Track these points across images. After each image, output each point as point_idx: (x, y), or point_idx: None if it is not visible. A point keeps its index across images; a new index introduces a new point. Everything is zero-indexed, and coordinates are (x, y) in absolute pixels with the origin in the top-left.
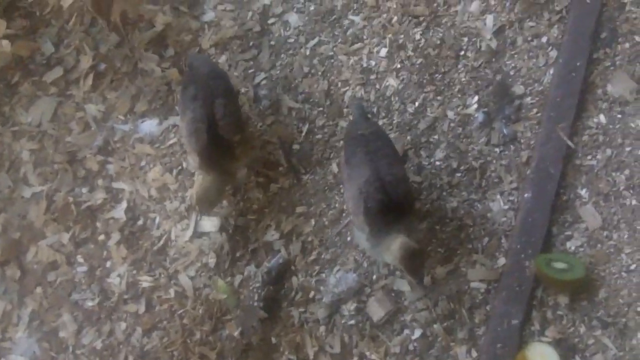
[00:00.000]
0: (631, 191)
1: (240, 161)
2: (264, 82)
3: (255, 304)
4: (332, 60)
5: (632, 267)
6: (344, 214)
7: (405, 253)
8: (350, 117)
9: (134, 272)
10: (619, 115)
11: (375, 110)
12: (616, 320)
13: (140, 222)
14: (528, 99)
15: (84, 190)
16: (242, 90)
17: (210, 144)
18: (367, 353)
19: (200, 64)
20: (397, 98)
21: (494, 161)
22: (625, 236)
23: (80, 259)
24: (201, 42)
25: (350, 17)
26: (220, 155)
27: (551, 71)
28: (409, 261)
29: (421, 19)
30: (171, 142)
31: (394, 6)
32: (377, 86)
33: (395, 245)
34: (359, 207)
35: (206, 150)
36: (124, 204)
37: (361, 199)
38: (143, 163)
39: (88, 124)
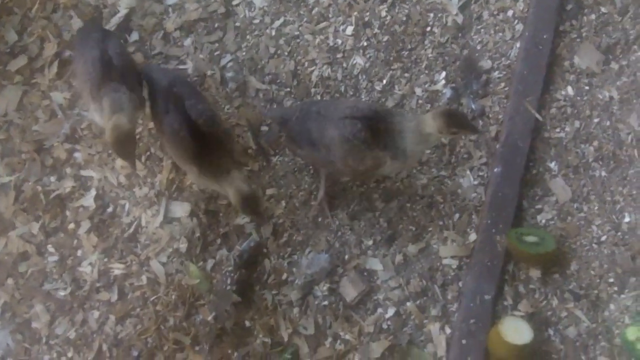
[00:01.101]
0: (600, 162)
1: (233, 153)
2: (230, 64)
3: (228, 288)
4: (298, 40)
5: (603, 238)
6: (313, 195)
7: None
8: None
9: (105, 260)
10: (587, 87)
11: (342, 89)
12: (588, 292)
13: (109, 210)
14: (495, 74)
15: (52, 179)
16: (209, 72)
17: (200, 149)
18: (341, 333)
19: (157, 76)
20: (364, 76)
21: (463, 137)
22: (596, 208)
23: (50, 248)
24: (165, 26)
25: None
26: (214, 156)
27: (518, 45)
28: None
29: None
30: (139, 128)
31: None
32: (344, 65)
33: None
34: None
35: (199, 157)
36: (93, 192)
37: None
38: (111, 150)
39: (54, 112)
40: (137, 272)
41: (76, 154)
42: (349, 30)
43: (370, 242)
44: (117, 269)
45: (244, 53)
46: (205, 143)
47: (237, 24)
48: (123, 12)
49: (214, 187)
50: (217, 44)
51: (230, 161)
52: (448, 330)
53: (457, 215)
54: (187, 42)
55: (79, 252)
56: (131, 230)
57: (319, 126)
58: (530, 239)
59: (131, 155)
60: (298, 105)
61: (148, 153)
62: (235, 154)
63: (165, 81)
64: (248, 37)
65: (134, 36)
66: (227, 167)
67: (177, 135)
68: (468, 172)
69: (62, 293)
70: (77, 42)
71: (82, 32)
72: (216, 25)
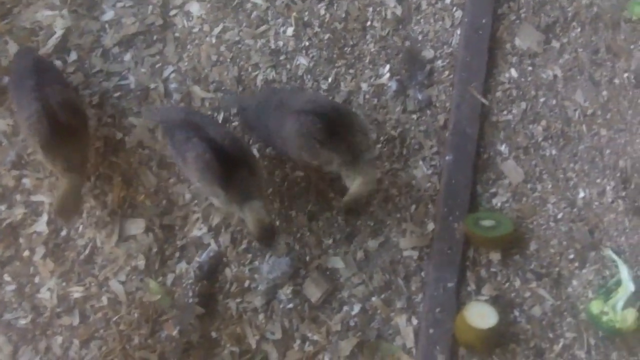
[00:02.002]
0: (549, 141)
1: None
2: (172, 75)
3: (191, 300)
4: (240, 46)
5: (559, 216)
6: (269, 199)
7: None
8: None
9: (64, 284)
10: (530, 68)
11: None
12: (550, 271)
13: (63, 233)
14: (439, 62)
15: (3, 207)
16: (152, 86)
17: (226, 173)
18: (309, 334)
19: (171, 115)
20: (309, 76)
21: (412, 128)
22: (549, 186)
23: (7, 277)
24: (104, 43)
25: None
26: (240, 180)
27: (458, 32)
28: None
29: None
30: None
31: None
32: (288, 66)
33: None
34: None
35: (225, 180)
36: (45, 217)
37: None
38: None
39: None
40: (97, 294)
41: (24, 180)
42: (290, 31)
43: (330, 241)
44: (77, 292)
45: (185, 63)
46: (231, 167)
47: (176, 34)
48: (59, 32)
49: (238, 212)
50: (157, 57)
51: (255, 187)
52: (415, 321)
53: (413, 207)
54: (127, 57)
55: (37, 279)
56: (87, 252)
57: (277, 117)
58: (487, 223)
59: (71, 213)
60: (257, 94)
61: (97, 173)
62: (261, 180)
63: (182, 114)
64: (188, 46)
65: (73, 56)
66: (251, 193)
67: (202, 159)
68: (420, 162)
69: (22, 322)
70: (13, 87)
71: (15, 74)
72: (155, 37)
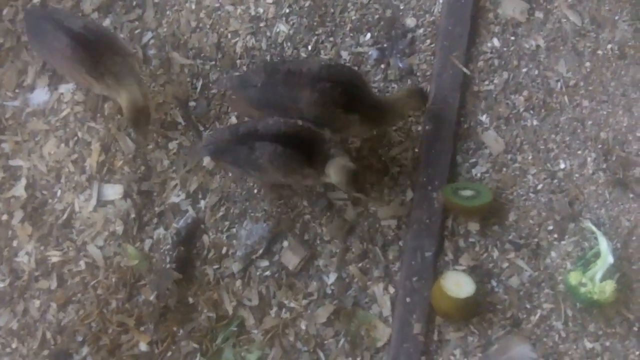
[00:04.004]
0: (531, 112)
1: (127, 59)
2: (152, 41)
3: (168, 266)
4: (219, 12)
5: (539, 187)
6: None
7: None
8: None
9: (42, 248)
10: (512, 37)
11: (268, 58)
12: (528, 242)
13: (41, 198)
14: (420, 31)
15: None
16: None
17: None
18: (286, 302)
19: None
20: (289, 44)
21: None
22: (530, 157)
23: None
24: (83, 7)
25: None
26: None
27: (440, 0)
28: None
29: None
30: (64, 113)
31: None
32: (268, 33)
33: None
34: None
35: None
36: (23, 181)
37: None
38: (38, 137)
39: None
40: (75, 258)
41: (3, 145)
42: None
43: (309, 209)
44: (55, 257)
45: (165, 29)
46: (95, 52)
47: (156, 0)
48: None
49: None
50: (136, 22)
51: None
52: (392, 290)
53: (392, 175)
54: (107, 22)
55: (15, 243)
56: (65, 216)
57: (290, 89)
58: (467, 192)
59: (146, 127)
60: (258, 68)
61: (76, 138)
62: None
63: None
64: (168, 12)
65: None
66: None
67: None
68: (400, 132)
69: (0, 285)
70: (34, 36)
71: (30, 23)
72: (134, 3)
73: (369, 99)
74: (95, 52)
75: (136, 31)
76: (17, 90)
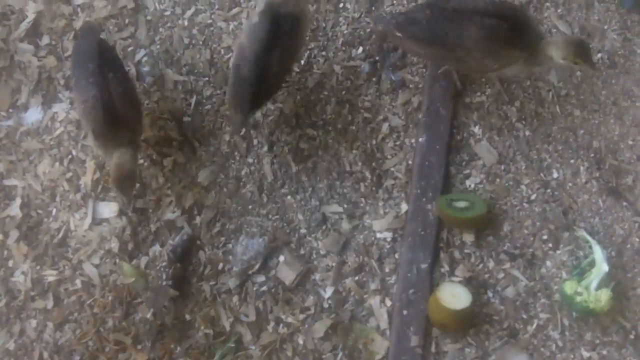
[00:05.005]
0: (523, 122)
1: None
2: (145, 58)
3: (164, 283)
4: (212, 28)
5: (533, 197)
6: (241, 182)
7: (574, 48)
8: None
9: (38, 267)
10: None
11: None
12: (523, 252)
13: (37, 217)
14: None
15: None
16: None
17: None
18: (283, 317)
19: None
20: None
21: (386, 109)
22: (523, 167)
23: None
24: (76, 27)
25: None
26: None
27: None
28: (581, 53)
29: None
30: (58, 131)
31: None
32: None
33: (555, 47)
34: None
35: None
36: (18, 201)
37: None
38: (32, 156)
39: None
40: (71, 277)
41: None
42: None
43: (304, 224)
44: (51, 276)
45: (158, 46)
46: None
47: (148, 17)
48: (31, 16)
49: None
50: (129, 40)
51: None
52: (388, 303)
53: (386, 188)
54: None
55: (10, 263)
56: (60, 235)
57: (456, 26)
58: (461, 204)
59: (130, 192)
60: (422, 6)
61: (70, 156)
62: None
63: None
64: (161, 29)
65: (45, 40)
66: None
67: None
68: (394, 143)
69: None
70: (74, 67)
71: (78, 54)
72: (127, 21)
73: (533, 36)
74: (111, 125)
75: (129, 48)
76: (10, 110)
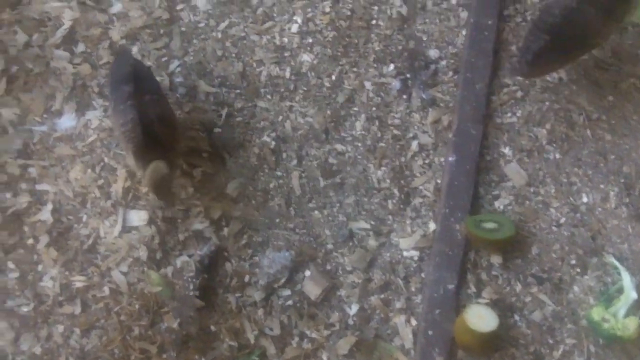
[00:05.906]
0: (554, 145)
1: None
2: (178, 69)
3: (191, 293)
4: (245, 41)
5: (562, 220)
6: (269, 195)
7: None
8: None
9: (66, 273)
10: None
11: (292, 87)
12: (551, 276)
13: (67, 223)
14: (443, 62)
15: (8, 195)
16: (158, 79)
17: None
18: (308, 332)
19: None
20: (313, 73)
21: (416, 127)
22: (552, 190)
23: (11, 265)
24: (111, 35)
25: None
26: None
27: (463, 32)
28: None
29: None
30: (91, 138)
31: None
32: (292, 63)
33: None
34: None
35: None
36: (50, 206)
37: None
38: (65, 162)
39: (5, 128)
40: (99, 284)
41: (30, 169)
42: (295, 28)
43: (331, 239)
44: (79, 282)
45: (191, 57)
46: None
47: (183, 28)
48: (67, 24)
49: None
50: (163, 50)
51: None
52: (414, 322)
53: (415, 206)
54: (134, 50)
55: (40, 267)
56: (90, 241)
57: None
58: (489, 225)
59: (168, 193)
60: (532, 30)
61: (102, 163)
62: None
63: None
64: (194, 41)
65: (80, 47)
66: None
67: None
68: (424, 162)
69: (25, 309)
70: (111, 91)
71: (114, 78)
72: (161, 31)
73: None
74: (151, 147)
75: (163, 59)
76: (45, 116)
